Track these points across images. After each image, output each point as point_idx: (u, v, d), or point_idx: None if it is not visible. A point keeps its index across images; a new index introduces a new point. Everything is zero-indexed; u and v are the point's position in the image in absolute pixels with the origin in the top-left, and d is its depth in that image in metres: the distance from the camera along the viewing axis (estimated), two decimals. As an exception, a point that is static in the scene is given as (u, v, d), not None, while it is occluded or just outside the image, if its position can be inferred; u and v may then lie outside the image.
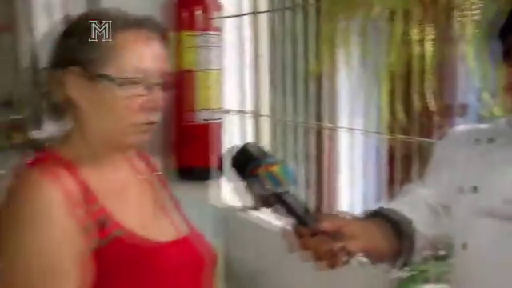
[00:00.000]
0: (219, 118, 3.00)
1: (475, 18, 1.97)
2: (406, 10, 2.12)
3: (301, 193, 3.12)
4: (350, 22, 2.32)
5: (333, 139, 3.03)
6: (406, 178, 2.41)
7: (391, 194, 2.64)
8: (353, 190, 2.94)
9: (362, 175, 2.89)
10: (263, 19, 3.01)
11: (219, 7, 2.91)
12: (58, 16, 3.09)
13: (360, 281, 2.47)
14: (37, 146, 2.90)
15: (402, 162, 2.56)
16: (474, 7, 1.95)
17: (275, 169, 1.01)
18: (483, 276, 1.06)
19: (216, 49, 2.91)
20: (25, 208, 0.94)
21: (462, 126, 1.30)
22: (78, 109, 1.01)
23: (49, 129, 2.98)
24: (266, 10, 2.96)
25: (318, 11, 2.64)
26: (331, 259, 1.01)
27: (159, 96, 1.01)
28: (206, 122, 2.88)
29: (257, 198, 1.07)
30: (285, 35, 2.91)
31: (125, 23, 0.99)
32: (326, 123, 2.95)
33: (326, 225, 1.01)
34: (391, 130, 2.44)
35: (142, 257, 1.00)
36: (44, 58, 1.08)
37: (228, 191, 3.25)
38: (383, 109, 2.36)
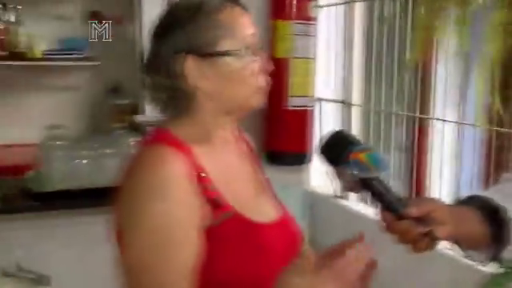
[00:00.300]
0: (311, 106, 3.05)
1: None
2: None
3: (392, 182, 3.10)
4: (448, 10, 2.26)
5: (426, 129, 2.98)
6: (500, 170, 2.33)
7: (486, 186, 2.56)
8: (444, 181, 2.86)
9: (456, 166, 2.82)
10: (359, 8, 3.00)
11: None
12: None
13: (449, 274, 2.44)
14: (139, 129, 3.11)
15: (497, 154, 2.50)
16: None
17: (364, 155, 1.03)
18: None
19: (311, 38, 2.95)
20: (154, 179, 0.96)
21: None
22: (199, 91, 1.04)
23: (150, 113, 3.17)
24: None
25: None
26: (417, 243, 1.01)
27: (266, 58, 1.07)
28: (298, 108, 2.95)
29: (345, 184, 1.09)
30: (382, 24, 2.89)
31: (222, 3, 1.05)
32: (419, 114, 2.91)
33: (413, 210, 1.01)
34: (489, 121, 2.35)
35: (247, 237, 1.03)
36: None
37: (317, 177, 3.31)
38: (480, 99, 2.29)
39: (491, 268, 2.14)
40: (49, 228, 2.37)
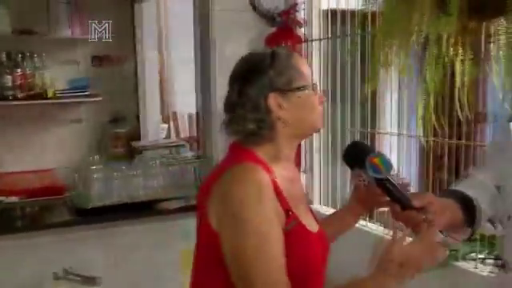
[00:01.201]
0: None
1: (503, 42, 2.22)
2: (448, 35, 2.36)
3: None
4: (399, 46, 2.54)
5: (379, 145, 3.60)
6: (438, 173, 2.95)
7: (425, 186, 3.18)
8: None
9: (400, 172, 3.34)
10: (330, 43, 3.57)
11: (299, 38, 3.53)
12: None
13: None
14: (136, 152, 3.59)
15: (434, 160, 3.07)
16: (501, 32, 2.22)
17: (377, 160, 1.25)
18: None
19: None
20: (250, 187, 1.14)
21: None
22: (279, 120, 1.23)
23: (146, 140, 3.68)
24: (328, 37, 3.56)
25: (372, 38, 3.12)
26: (417, 228, 1.24)
27: (320, 91, 1.30)
28: None
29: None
30: (343, 58, 3.52)
31: (288, 51, 1.31)
32: (370, 129, 3.48)
33: (416, 202, 1.24)
34: (427, 134, 2.91)
35: (306, 242, 1.21)
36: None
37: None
38: (420, 116, 2.80)
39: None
40: (92, 238, 2.76)
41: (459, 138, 2.93)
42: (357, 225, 3.13)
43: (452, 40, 2.34)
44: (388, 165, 1.26)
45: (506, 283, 1.41)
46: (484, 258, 2.69)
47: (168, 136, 4.55)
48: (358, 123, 3.59)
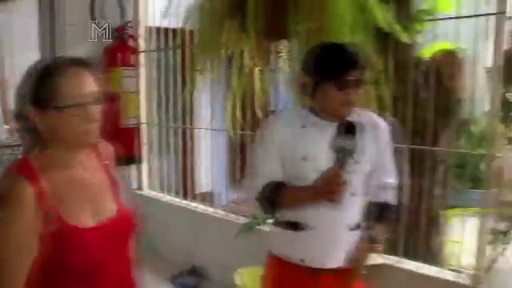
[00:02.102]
0: (136, 124, 4.19)
1: (285, 57, 2.91)
2: (248, 51, 2.98)
3: (174, 176, 4.30)
4: (212, 59, 3.12)
5: (195, 139, 4.31)
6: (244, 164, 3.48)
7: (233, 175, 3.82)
8: (208, 173, 4.19)
9: (212, 162, 4.14)
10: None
11: (133, 49, 4.09)
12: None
13: (220, 231, 3.60)
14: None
15: (242, 152, 3.77)
16: (285, 51, 2.90)
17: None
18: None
19: (132, 78, 4.10)
20: (7, 201, 1.20)
21: (272, 119, 1.74)
22: (43, 132, 1.25)
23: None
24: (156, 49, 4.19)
25: (191, 51, 3.75)
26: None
27: (94, 110, 1.25)
28: (129, 126, 4.10)
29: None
30: (168, 66, 4.13)
31: (62, 67, 1.24)
32: (190, 125, 4.21)
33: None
34: (235, 129, 3.43)
35: (76, 240, 1.24)
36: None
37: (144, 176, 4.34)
38: (229, 114, 3.28)
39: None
40: None
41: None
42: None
43: (251, 54, 2.99)
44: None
45: (294, 238, 1.72)
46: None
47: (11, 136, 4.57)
48: (180, 120, 4.20)
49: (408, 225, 2.71)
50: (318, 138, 1.63)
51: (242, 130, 3.50)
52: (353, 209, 1.69)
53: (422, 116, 2.69)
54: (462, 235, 2.75)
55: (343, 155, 1.52)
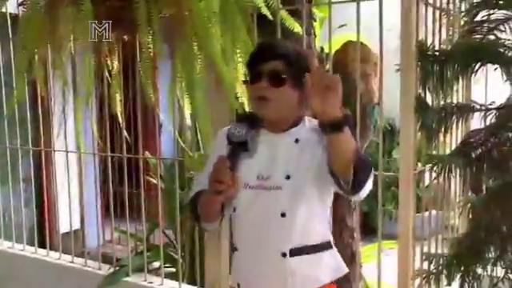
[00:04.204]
0: None
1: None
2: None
3: (24, 209, 3.47)
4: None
5: (50, 160, 3.43)
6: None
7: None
8: (73, 198, 3.37)
9: (80, 185, 3.38)
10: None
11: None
12: None
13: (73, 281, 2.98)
14: None
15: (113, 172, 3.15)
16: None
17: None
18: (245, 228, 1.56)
19: None
20: None
21: (224, 129, 1.62)
22: None
23: None
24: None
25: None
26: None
27: None
28: None
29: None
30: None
31: None
32: (44, 147, 3.36)
33: None
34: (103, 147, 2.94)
35: None
36: None
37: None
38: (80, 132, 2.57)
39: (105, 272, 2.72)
40: None
41: (136, 152, 2.99)
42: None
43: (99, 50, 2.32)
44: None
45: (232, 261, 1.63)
46: (158, 268, 2.78)
47: None
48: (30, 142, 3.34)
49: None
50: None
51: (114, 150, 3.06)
52: (284, 232, 1.51)
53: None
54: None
55: (232, 145, 1.48)
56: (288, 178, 1.49)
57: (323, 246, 1.56)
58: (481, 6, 1.96)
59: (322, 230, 1.57)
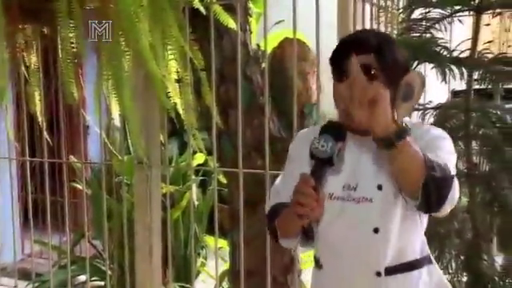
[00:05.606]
0: None
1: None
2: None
3: None
4: None
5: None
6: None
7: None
8: None
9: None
10: None
11: None
12: None
13: None
14: None
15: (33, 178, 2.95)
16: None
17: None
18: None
19: None
20: None
21: (304, 131, 1.52)
22: None
23: None
24: None
25: None
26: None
27: None
28: None
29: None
30: None
31: None
32: None
33: None
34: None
35: None
36: None
37: None
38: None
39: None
40: None
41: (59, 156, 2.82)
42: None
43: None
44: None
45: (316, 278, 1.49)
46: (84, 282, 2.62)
47: None
48: None
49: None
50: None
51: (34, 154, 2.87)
52: (378, 249, 1.37)
53: (260, 127, 2.12)
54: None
55: (316, 161, 1.31)
56: (380, 188, 1.35)
57: (421, 262, 1.44)
58: (417, 3, 1.95)
59: (418, 244, 1.43)
